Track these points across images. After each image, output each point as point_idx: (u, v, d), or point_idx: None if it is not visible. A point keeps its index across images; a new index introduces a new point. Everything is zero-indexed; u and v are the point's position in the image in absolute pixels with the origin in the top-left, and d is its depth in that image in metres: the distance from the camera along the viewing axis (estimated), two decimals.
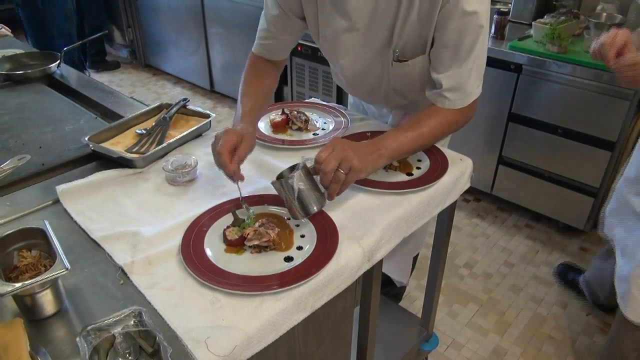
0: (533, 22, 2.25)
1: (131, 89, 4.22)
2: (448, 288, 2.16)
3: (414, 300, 2.11)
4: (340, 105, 1.54)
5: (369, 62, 1.26)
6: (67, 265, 0.79)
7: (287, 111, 1.41)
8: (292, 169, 1.02)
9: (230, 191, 1.14)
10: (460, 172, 1.25)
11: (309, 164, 1.02)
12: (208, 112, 1.43)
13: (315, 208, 0.99)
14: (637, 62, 1.23)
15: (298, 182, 0.97)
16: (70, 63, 4.39)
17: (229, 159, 1.04)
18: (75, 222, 1.05)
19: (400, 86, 1.30)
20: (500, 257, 2.34)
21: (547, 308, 2.06)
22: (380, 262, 1.10)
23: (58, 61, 1.82)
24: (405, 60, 1.20)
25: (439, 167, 1.21)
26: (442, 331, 1.95)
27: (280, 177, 1.03)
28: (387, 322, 1.65)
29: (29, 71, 1.77)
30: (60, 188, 1.12)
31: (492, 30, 2.37)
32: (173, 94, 4.15)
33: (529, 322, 1.99)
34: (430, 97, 1.20)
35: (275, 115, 1.42)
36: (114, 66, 4.63)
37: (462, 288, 2.16)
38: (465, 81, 1.14)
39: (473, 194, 2.75)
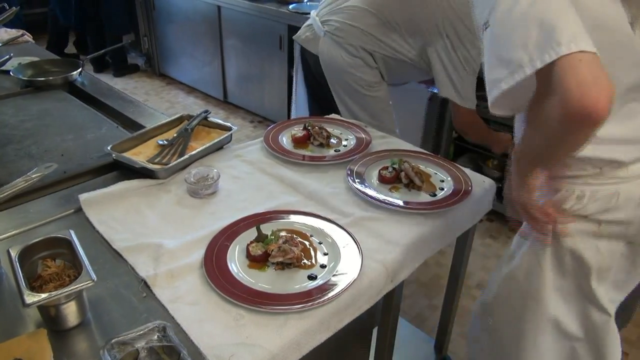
0: None
1: (145, 97, 4.25)
2: (460, 309, 2.12)
3: (425, 320, 2.08)
4: (362, 122, 1.54)
5: None
6: (94, 276, 0.79)
7: (308, 127, 1.41)
8: None
9: (253, 205, 1.14)
10: (483, 193, 1.24)
11: None
12: (229, 124, 1.43)
13: None
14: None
15: None
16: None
17: None
18: (97, 231, 1.04)
19: None
20: None
21: None
22: (402, 283, 1.09)
23: (80, 69, 1.83)
24: None
25: (462, 187, 1.21)
26: (454, 353, 1.91)
27: None
28: (402, 343, 1.63)
29: (51, 78, 1.78)
30: (83, 197, 1.11)
31: None
32: (186, 103, 4.17)
33: None
34: None
35: (297, 130, 1.42)
36: (134, 69, 4.71)
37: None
38: None
39: (486, 214, 2.72)
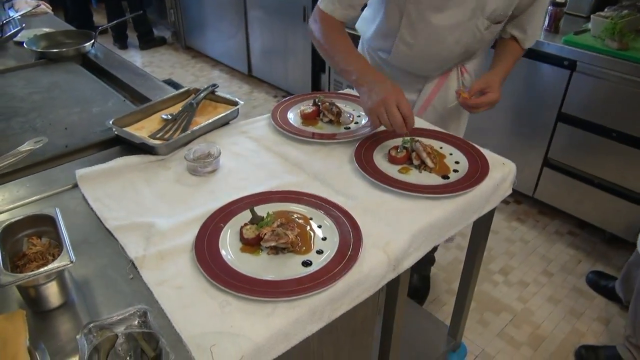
0: (592, 16, 2.08)
1: (170, 70, 4.24)
2: (480, 294, 2.05)
3: (443, 305, 2.01)
4: None
5: (460, 20, 1.32)
6: (73, 257, 0.76)
7: (318, 102, 1.34)
8: None
9: (253, 184, 1.09)
10: (501, 177, 1.15)
11: None
12: (236, 99, 1.37)
13: None
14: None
15: None
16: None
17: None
18: (91, 208, 1.01)
19: (475, 45, 1.42)
20: (538, 265, 2.21)
21: (587, 323, 1.93)
22: (408, 271, 1.02)
23: (92, 40, 1.80)
24: (499, 22, 1.35)
25: (478, 170, 1.12)
26: (471, 340, 1.85)
27: None
28: (412, 328, 1.57)
29: (64, 50, 1.76)
30: (79, 172, 1.08)
31: (546, 23, 2.20)
32: (211, 76, 4.14)
33: (566, 337, 1.87)
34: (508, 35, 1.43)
35: (306, 106, 1.35)
36: (160, 41, 4.70)
37: (495, 295, 2.05)
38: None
39: (513, 195, 2.61)
